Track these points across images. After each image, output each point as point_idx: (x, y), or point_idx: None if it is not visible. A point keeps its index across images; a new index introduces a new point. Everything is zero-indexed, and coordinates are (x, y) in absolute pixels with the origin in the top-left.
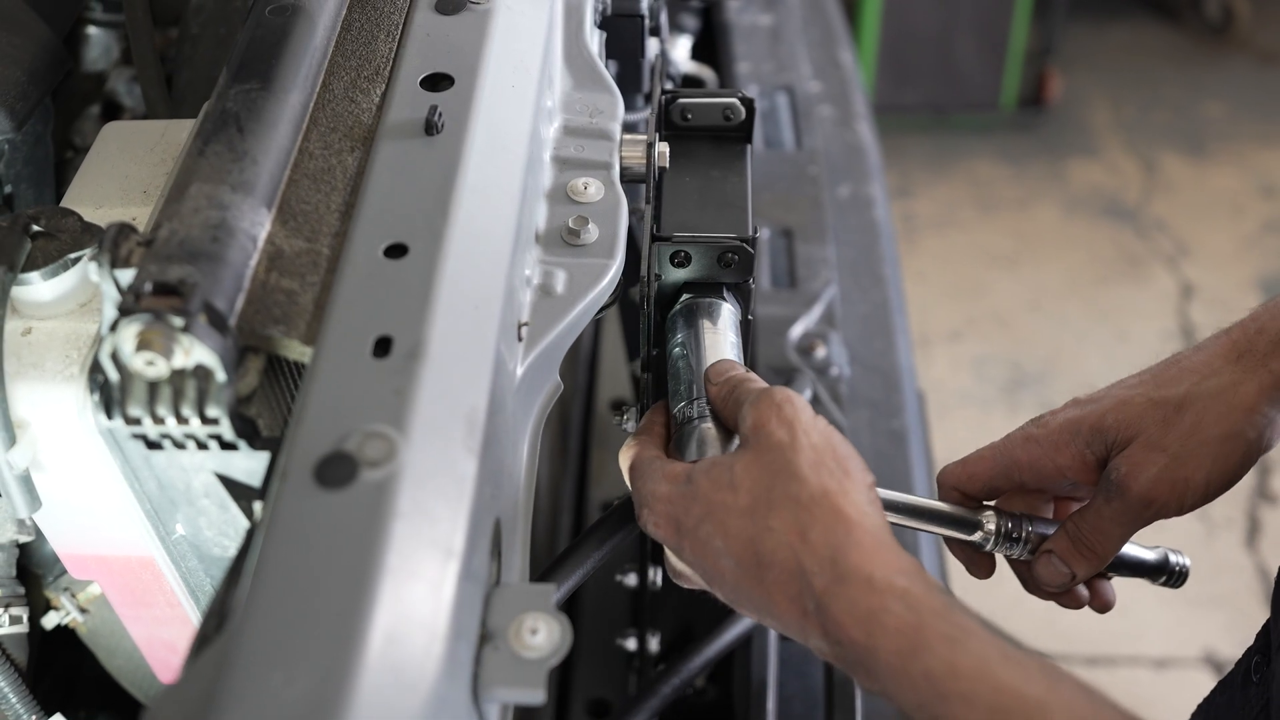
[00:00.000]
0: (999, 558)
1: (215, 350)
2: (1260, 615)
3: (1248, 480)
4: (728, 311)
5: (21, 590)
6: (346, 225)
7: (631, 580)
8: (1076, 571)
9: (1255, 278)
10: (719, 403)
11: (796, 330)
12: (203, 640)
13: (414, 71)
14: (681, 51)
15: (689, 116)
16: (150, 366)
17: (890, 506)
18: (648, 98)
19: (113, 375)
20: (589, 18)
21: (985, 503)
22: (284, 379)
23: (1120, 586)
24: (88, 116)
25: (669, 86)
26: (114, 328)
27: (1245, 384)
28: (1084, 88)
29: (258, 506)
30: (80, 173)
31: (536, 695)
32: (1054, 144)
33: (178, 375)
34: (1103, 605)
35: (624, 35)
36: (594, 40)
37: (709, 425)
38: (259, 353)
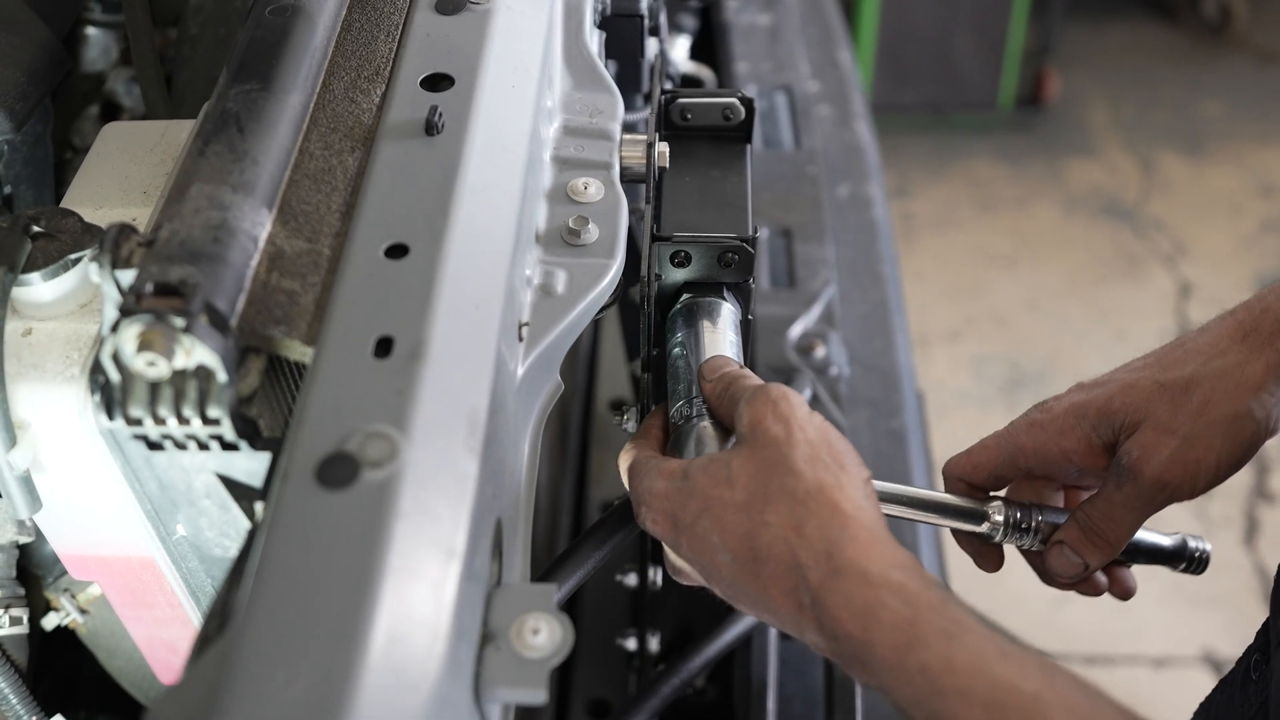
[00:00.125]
0: (1009, 551)
1: (216, 351)
2: (1259, 614)
3: (1246, 479)
4: (728, 311)
5: (21, 591)
6: (347, 225)
7: (631, 580)
8: (1089, 561)
9: (1253, 277)
10: (714, 399)
11: (796, 330)
12: (204, 641)
13: (414, 72)
14: (680, 51)
15: (689, 116)
16: (151, 367)
17: (896, 499)
18: (647, 98)
19: (114, 376)
20: (589, 18)
21: (993, 493)
22: (285, 379)
23: None
24: (87, 117)
25: (668, 86)
26: (115, 328)
27: (1252, 363)
28: (1082, 87)
29: (259, 507)
30: (80, 173)
31: (538, 695)
32: (1052, 143)
33: (179, 376)
34: (1124, 592)
35: (623, 35)
36: (594, 40)
37: (706, 423)
38: (260, 353)
